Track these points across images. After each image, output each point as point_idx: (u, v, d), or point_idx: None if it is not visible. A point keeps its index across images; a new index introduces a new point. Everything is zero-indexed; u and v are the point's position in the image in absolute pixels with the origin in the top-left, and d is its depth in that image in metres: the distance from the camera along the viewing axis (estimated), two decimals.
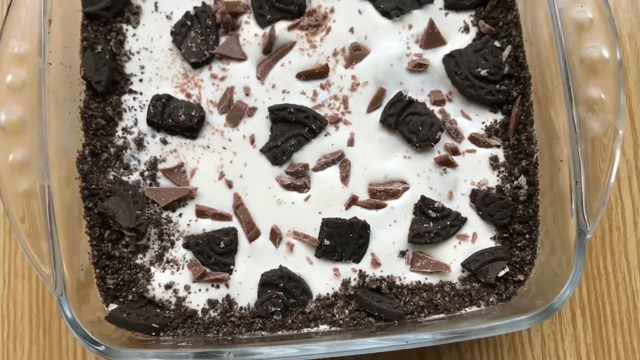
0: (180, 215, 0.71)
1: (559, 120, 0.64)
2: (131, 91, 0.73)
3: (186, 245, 0.71)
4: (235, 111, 0.72)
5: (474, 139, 0.71)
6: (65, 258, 0.64)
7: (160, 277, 0.71)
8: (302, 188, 0.71)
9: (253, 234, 0.71)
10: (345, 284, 0.70)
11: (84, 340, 0.62)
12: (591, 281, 0.74)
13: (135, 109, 0.72)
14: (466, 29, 0.73)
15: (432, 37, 0.72)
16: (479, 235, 0.71)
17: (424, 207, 0.70)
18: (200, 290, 0.71)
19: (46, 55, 0.65)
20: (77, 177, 0.70)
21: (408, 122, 0.70)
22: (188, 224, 0.71)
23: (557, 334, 0.75)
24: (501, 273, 0.68)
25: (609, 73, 0.62)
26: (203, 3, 0.73)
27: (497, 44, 0.71)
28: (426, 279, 0.70)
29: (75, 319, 0.62)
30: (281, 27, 0.73)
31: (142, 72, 0.73)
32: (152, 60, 0.73)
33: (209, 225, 0.72)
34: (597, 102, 0.62)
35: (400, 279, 0.70)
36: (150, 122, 0.72)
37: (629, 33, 0.77)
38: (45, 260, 0.63)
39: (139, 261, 0.71)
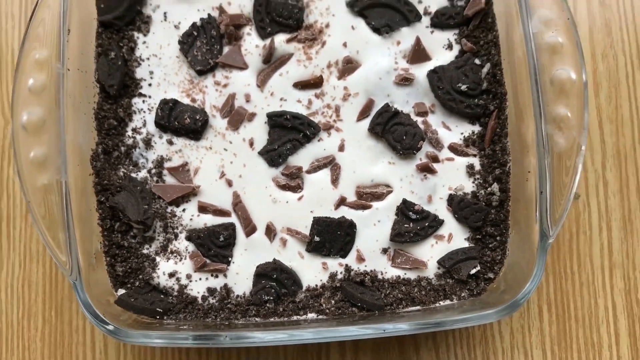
0: (183, 210, 0.73)
1: (529, 134, 0.66)
2: (141, 95, 0.74)
3: (189, 238, 0.73)
4: (236, 116, 0.74)
5: (453, 148, 0.73)
6: (79, 247, 0.66)
7: (164, 266, 0.73)
8: (296, 188, 0.73)
9: (250, 229, 0.73)
10: (333, 276, 0.73)
11: (95, 321, 0.64)
12: (558, 280, 0.78)
13: (144, 111, 0.74)
14: (450, 47, 0.74)
15: (418, 53, 0.74)
16: (454, 236, 0.73)
17: (405, 209, 0.72)
18: (200, 279, 0.73)
19: (65, 62, 0.67)
20: (90, 173, 0.72)
21: (393, 131, 0.72)
22: (191, 219, 0.73)
23: (525, 327, 0.77)
24: (473, 271, 0.71)
25: (575, 94, 0.65)
26: (209, 15, 0.74)
27: (477, 61, 0.73)
28: (405, 274, 0.72)
29: (88, 301, 0.64)
30: (280, 40, 0.74)
31: (151, 77, 0.75)
32: (161, 67, 0.75)
33: (209, 220, 0.73)
34: (564, 120, 0.65)
35: (382, 274, 0.73)
36: (158, 124, 0.73)
37: (602, 52, 0.80)
38: (62, 248, 0.65)
39: (145, 251, 0.73)
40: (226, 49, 0.75)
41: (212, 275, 0.73)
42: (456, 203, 0.72)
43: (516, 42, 0.67)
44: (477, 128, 0.74)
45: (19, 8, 0.83)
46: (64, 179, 0.65)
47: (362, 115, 0.73)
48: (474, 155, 0.73)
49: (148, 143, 0.74)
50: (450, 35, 0.75)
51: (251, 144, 0.74)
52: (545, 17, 0.65)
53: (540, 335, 0.77)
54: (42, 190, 0.66)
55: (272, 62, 0.75)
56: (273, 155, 0.73)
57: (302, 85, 0.74)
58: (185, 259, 0.73)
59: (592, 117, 0.79)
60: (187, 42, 0.74)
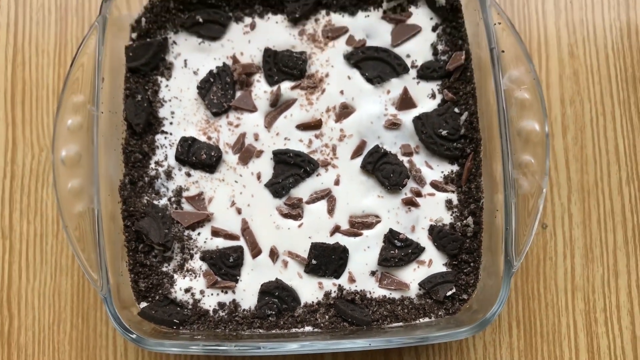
0: (198, 234, 0.77)
1: (498, 176, 0.69)
2: (163, 132, 0.78)
3: (202, 258, 0.76)
4: (246, 153, 0.78)
5: (434, 185, 0.77)
6: (109, 266, 0.69)
7: (181, 283, 0.76)
8: (297, 217, 0.77)
9: (256, 252, 0.76)
10: (327, 295, 0.76)
11: (122, 330, 0.67)
12: (526, 300, 0.81)
13: (166, 147, 0.78)
14: (433, 96, 0.78)
15: (405, 101, 0.77)
16: (434, 262, 0.76)
17: (391, 237, 0.75)
18: (212, 294, 0.76)
19: (99, 106, 0.70)
20: (118, 201, 0.75)
21: (382, 169, 0.76)
22: (205, 242, 0.76)
23: (497, 341, 0.81)
24: (449, 293, 0.74)
25: (538, 143, 0.69)
26: (224, 63, 0.79)
27: (456, 110, 0.76)
28: (390, 294, 0.75)
29: (117, 313, 0.67)
30: (285, 87, 0.78)
31: (173, 117, 0.79)
32: (181, 108, 0.79)
33: (221, 243, 0.76)
34: (528, 166, 0.69)
35: (370, 293, 0.75)
36: (178, 158, 0.77)
37: (570, 98, 0.85)
38: (94, 267, 0.69)
39: (164, 269, 0.76)
40: (238, 94, 0.79)
41: (222, 292, 0.76)
42: (436, 233, 0.75)
43: (490, 95, 0.71)
44: (455, 168, 0.77)
45: (54, 46, 0.87)
46: (97, 207, 0.69)
47: (356, 154, 0.77)
48: (452, 192, 0.77)
49: (169, 175, 0.78)
50: (434, 86, 0.78)
51: (258, 177, 0.78)
52: (515, 76, 0.71)
53: (510, 348, 0.81)
54: (77, 217, 0.70)
55: (278, 106, 0.79)
56: (277, 187, 0.77)
57: (303, 126, 0.78)
58: (199, 276, 0.76)
59: (560, 156, 0.84)
60: (205, 87, 0.78)
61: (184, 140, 0.77)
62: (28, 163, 0.86)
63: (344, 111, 0.78)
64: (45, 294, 0.83)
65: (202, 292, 0.77)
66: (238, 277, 0.77)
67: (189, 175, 0.78)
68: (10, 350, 0.82)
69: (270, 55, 0.78)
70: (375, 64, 0.78)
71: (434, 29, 0.80)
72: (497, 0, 0.86)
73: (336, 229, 0.77)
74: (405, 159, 0.78)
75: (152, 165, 0.78)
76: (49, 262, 0.84)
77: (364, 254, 0.77)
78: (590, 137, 0.85)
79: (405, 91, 0.78)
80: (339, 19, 0.80)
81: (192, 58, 0.80)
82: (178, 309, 0.75)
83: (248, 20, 0.80)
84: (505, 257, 0.68)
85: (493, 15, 0.71)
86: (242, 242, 0.77)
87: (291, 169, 0.77)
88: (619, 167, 0.85)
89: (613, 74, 0.86)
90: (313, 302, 0.76)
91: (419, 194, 0.77)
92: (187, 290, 0.76)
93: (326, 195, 0.78)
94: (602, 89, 0.86)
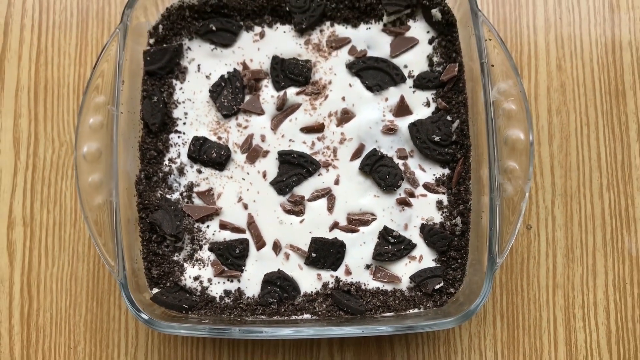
0: (207, 226, 0.79)
1: (485, 180, 0.72)
2: (177, 131, 0.80)
3: (211, 249, 0.78)
4: (253, 152, 0.80)
5: (426, 186, 0.79)
6: (125, 254, 0.71)
7: (190, 271, 0.78)
8: (299, 213, 0.79)
9: (260, 244, 0.78)
10: (325, 285, 0.77)
11: (135, 312, 0.69)
12: (510, 295, 0.84)
13: (179, 145, 0.80)
14: (427, 104, 0.80)
15: (402, 109, 0.80)
16: (424, 257, 0.78)
17: (385, 234, 0.77)
18: (219, 282, 0.78)
19: (118, 106, 0.73)
20: (134, 194, 0.78)
21: (379, 171, 0.78)
22: (213, 234, 0.79)
23: (481, 332, 0.84)
24: (437, 286, 0.76)
25: (523, 151, 0.72)
26: (234, 69, 0.81)
27: (449, 118, 0.78)
28: (383, 286, 0.78)
29: (131, 297, 0.70)
30: (291, 92, 0.80)
31: (186, 117, 0.81)
32: (194, 109, 0.81)
33: (228, 235, 0.79)
34: (513, 172, 0.72)
35: (364, 285, 0.78)
36: (190, 156, 0.79)
37: (557, 108, 0.88)
38: (112, 255, 0.71)
39: (175, 258, 0.78)
40: (247, 98, 0.81)
41: (228, 280, 0.78)
42: (427, 231, 0.77)
43: (480, 106, 0.73)
44: (446, 171, 0.79)
45: (75, 48, 0.91)
46: (115, 200, 0.71)
47: (355, 156, 0.79)
48: (443, 193, 0.79)
49: (181, 171, 0.80)
50: (428, 95, 0.80)
51: (264, 175, 0.80)
52: (503, 89, 0.73)
53: (493, 339, 0.84)
54: (97, 208, 0.73)
55: (284, 109, 0.81)
56: (281, 185, 0.79)
57: (307, 129, 0.80)
58: (207, 266, 0.78)
59: (546, 162, 0.87)
60: (216, 91, 0.80)
61: (196, 139, 0.80)
62: (49, 157, 0.89)
63: (345, 116, 0.80)
64: (62, 279, 0.86)
65: (209, 280, 0.79)
66: (243, 267, 0.79)
67: (199, 172, 0.80)
68: (30, 330, 0.86)
69: (277, 63, 0.81)
70: (374, 73, 0.80)
71: (430, 42, 0.82)
72: (492, 16, 0.90)
73: (335, 225, 0.79)
74: (400, 162, 0.80)
75: (166, 162, 0.80)
76: (67, 250, 0.87)
77: (360, 248, 0.79)
78: (574, 145, 0.88)
79: (402, 99, 0.80)
80: (342, 30, 0.82)
81: (205, 63, 0.82)
82: (187, 295, 0.77)
83: (258, 29, 0.82)
84: (489, 255, 0.70)
85: (484, 31, 0.74)
86: (247, 235, 0.79)
87: (295, 168, 0.79)
88: (600, 174, 0.88)
89: (597, 87, 0.90)
90: (312, 291, 0.78)
91: (412, 195, 0.79)
92: (196, 278, 0.78)
93: (326, 194, 0.80)
94: (587, 100, 0.89)
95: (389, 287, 0.78)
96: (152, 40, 0.82)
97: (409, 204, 0.79)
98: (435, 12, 0.80)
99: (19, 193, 0.88)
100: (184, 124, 0.82)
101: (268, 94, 0.82)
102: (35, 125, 0.90)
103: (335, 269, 0.79)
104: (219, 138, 0.81)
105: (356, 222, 0.79)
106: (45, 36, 0.92)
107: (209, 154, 0.79)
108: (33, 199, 0.88)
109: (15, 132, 0.90)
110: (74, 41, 0.91)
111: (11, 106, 0.90)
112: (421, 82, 0.81)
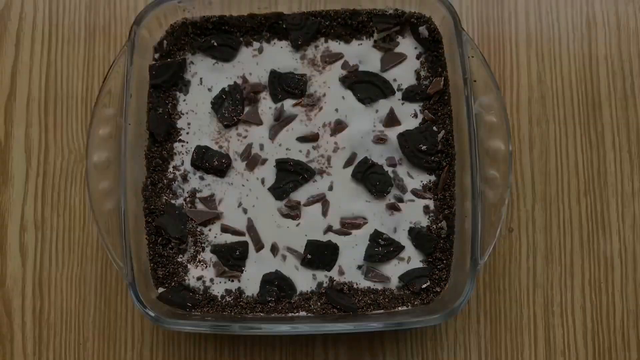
0: (210, 230, 0.80)
1: (468, 187, 0.74)
2: (180, 141, 0.81)
3: (212, 251, 0.79)
4: (252, 160, 0.81)
5: (414, 192, 0.80)
6: (133, 256, 0.73)
7: (193, 272, 0.79)
8: (295, 217, 0.80)
9: (259, 246, 0.79)
10: (320, 285, 0.79)
11: (143, 310, 0.71)
12: (493, 294, 0.86)
13: (182, 154, 0.81)
14: (415, 115, 0.81)
15: (391, 119, 0.81)
16: (412, 259, 0.80)
17: (376, 237, 0.79)
18: (220, 282, 0.79)
19: (127, 118, 0.74)
20: (141, 200, 0.79)
21: (370, 178, 0.79)
22: (215, 237, 0.80)
23: (466, 329, 0.86)
24: (424, 285, 0.78)
25: (503, 160, 0.75)
26: (234, 82, 0.82)
27: (435, 128, 0.80)
28: (374, 285, 0.79)
29: (139, 296, 0.72)
30: (288, 104, 0.81)
31: (189, 128, 0.82)
32: (196, 120, 0.82)
33: (229, 238, 0.80)
34: (493, 180, 0.75)
35: (356, 284, 0.79)
36: (193, 164, 0.80)
37: (537, 118, 0.91)
38: (120, 257, 0.73)
39: (179, 260, 0.79)
40: (247, 109, 0.82)
41: (229, 280, 0.79)
42: (414, 234, 0.79)
43: (463, 117, 0.75)
44: (433, 178, 0.80)
45: (83, 61, 0.94)
46: (123, 206, 0.72)
47: (347, 164, 0.81)
48: (430, 199, 0.80)
49: (185, 178, 0.81)
50: (416, 107, 0.82)
51: (263, 182, 0.81)
52: (485, 102, 0.76)
53: (477, 336, 0.86)
54: (106, 214, 0.75)
55: (281, 120, 0.82)
56: (279, 191, 0.80)
57: (303, 139, 0.81)
58: (209, 266, 0.79)
59: (526, 169, 0.90)
60: (217, 103, 0.81)
61: (198, 148, 0.81)
62: (59, 164, 0.91)
63: (338, 127, 0.82)
64: (72, 279, 0.88)
65: (211, 280, 0.80)
66: (243, 268, 0.80)
67: (202, 178, 0.82)
68: (41, 327, 0.88)
69: (275, 77, 0.82)
70: (366, 87, 0.82)
71: (417, 57, 0.83)
72: (476, 33, 0.94)
73: (329, 229, 0.81)
74: (390, 170, 0.81)
75: (171, 170, 0.82)
76: (76, 252, 0.89)
77: (352, 250, 0.80)
78: (553, 153, 0.90)
79: (392, 111, 0.82)
80: (335, 46, 0.84)
81: (207, 77, 0.84)
82: (191, 294, 0.79)
83: (257, 45, 0.84)
84: (472, 256, 0.72)
85: (468, 49, 0.77)
86: (247, 238, 0.81)
87: (291, 175, 0.80)
88: (577, 180, 0.90)
89: (575, 98, 0.93)
90: (307, 290, 0.80)
91: (401, 200, 0.81)
92: (198, 278, 0.80)
93: (321, 199, 0.81)
94: (566, 111, 0.91)
95: (379, 287, 0.80)
96: (157, 55, 0.83)
97: (398, 209, 0.81)
98: (423, 30, 0.82)
99: (31, 198, 0.90)
100: (187, 133, 0.83)
101: (266, 105, 0.83)
102: (46, 134, 0.92)
103: (329, 270, 0.80)
104: (220, 147, 0.82)
105: (349, 225, 0.81)
106: (55, 50, 0.93)
107: (211, 162, 0.81)
108: (44, 204, 0.90)
109: (27, 141, 0.91)
110: (82, 55, 0.93)
111: (23, 116, 0.92)
112: (409, 95, 0.82)
